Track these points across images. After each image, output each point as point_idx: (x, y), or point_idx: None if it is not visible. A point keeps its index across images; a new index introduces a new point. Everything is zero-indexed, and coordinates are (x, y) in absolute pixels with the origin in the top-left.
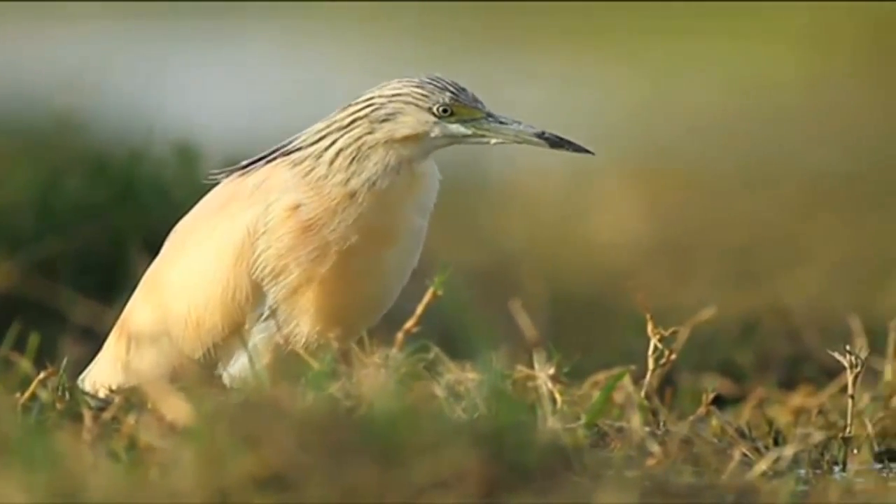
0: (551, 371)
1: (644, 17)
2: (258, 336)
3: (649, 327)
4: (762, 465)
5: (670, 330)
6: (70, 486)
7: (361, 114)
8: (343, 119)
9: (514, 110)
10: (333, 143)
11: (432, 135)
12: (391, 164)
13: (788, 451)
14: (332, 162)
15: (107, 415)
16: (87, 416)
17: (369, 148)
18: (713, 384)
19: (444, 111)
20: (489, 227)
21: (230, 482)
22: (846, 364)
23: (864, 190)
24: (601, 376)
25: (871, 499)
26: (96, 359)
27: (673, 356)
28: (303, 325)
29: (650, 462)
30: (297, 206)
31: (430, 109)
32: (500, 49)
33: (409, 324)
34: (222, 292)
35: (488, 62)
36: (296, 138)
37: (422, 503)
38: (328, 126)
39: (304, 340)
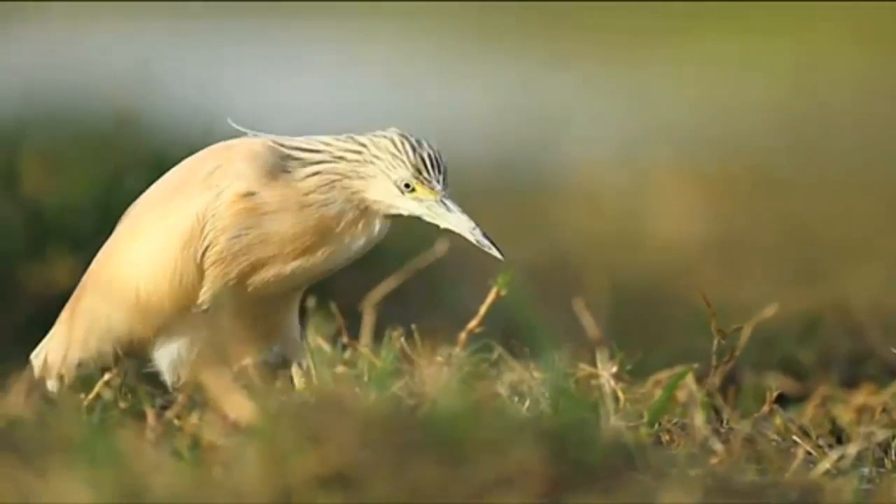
0: (614, 369)
1: (705, 16)
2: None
3: (712, 325)
4: (825, 464)
5: (733, 328)
6: (134, 484)
7: (350, 157)
8: (336, 150)
9: (578, 112)
10: (320, 162)
11: (394, 206)
12: (352, 202)
13: (852, 449)
14: (309, 176)
15: (170, 413)
16: (151, 414)
17: (343, 186)
18: (776, 382)
19: (406, 186)
20: (550, 225)
21: (294, 481)
22: None
23: None
24: (664, 374)
25: None
26: (48, 335)
27: (736, 354)
28: (207, 292)
29: (713, 460)
30: (248, 194)
31: (395, 182)
32: (562, 51)
33: (472, 323)
34: (171, 275)
35: (550, 65)
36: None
37: (485, 501)
38: (327, 146)
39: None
